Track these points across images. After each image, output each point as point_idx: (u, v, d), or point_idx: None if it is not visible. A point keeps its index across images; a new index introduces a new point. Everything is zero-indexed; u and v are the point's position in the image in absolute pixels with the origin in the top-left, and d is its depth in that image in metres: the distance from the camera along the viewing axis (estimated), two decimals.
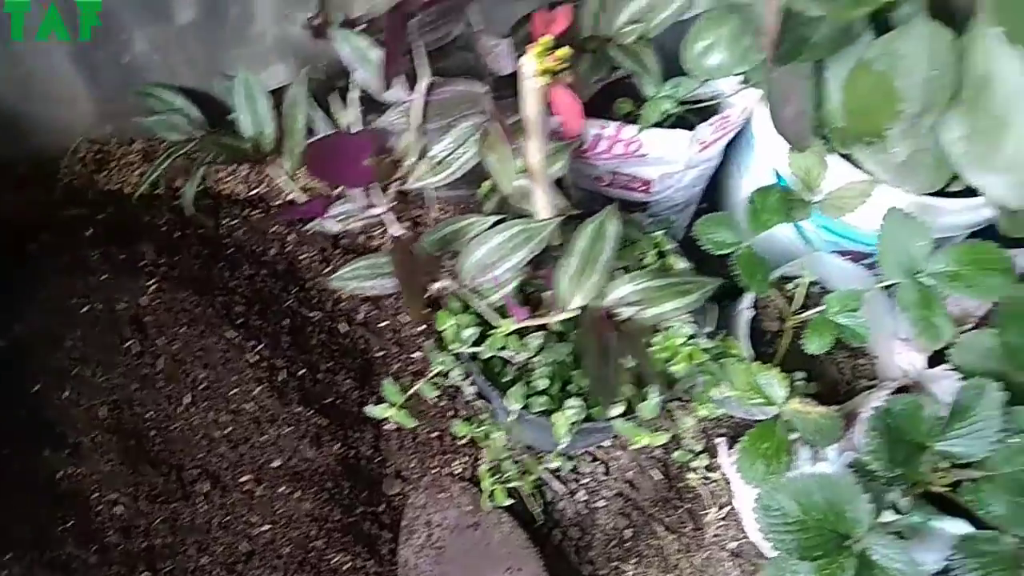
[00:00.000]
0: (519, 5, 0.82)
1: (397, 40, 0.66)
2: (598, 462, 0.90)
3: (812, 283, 0.87)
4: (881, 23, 0.68)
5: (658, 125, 0.84)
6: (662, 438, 0.72)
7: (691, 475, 0.91)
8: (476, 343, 0.74)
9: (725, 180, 0.99)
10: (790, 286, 0.84)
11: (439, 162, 0.74)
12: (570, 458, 0.90)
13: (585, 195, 0.92)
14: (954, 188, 0.76)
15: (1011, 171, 0.62)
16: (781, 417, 0.73)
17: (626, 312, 0.65)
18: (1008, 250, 0.75)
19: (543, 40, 0.61)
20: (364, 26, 0.73)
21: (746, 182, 0.93)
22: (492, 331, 0.74)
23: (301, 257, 0.97)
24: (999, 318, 0.67)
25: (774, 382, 0.74)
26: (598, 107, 0.87)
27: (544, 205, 0.72)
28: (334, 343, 0.93)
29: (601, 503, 0.88)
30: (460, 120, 0.73)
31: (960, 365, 0.70)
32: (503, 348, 0.73)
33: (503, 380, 0.75)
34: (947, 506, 0.71)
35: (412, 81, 0.73)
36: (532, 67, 0.62)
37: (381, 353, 0.94)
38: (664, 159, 0.83)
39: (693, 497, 0.90)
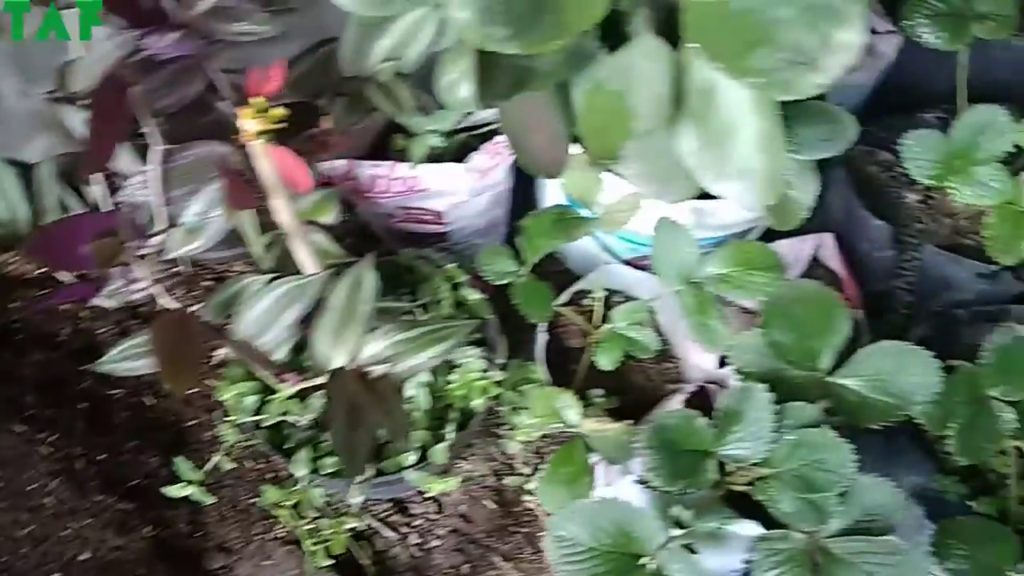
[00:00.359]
0: (271, 54, 0.80)
1: (107, 117, 0.62)
2: (430, 500, 0.89)
3: (616, 294, 0.87)
4: (618, 41, 0.68)
5: (440, 156, 0.83)
6: (453, 483, 0.71)
7: (526, 498, 0.90)
8: (258, 410, 0.72)
9: (538, 192, 0.98)
10: (588, 301, 0.84)
11: (192, 229, 0.71)
12: (399, 502, 0.88)
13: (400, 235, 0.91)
14: None
15: (743, 177, 0.63)
16: (579, 439, 0.73)
17: (379, 369, 0.63)
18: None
19: (255, 101, 0.59)
20: (87, 100, 0.69)
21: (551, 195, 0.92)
22: (273, 396, 0.71)
23: (98, 333, 0.92)
24: (764, 316, 0.69)
25: (569, 404, 0.74)
26: (383, 145, 0.85)
27: (307, 260, 0.69)
28: (140, 419, 0.89)
29: (435, 543, 0.87)
30: (207, 183, 0.69)
31: (737, 366, 0.71)
32: (286, 413, 0.71)
33: (288, 446, 0.72)
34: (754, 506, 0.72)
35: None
36: (248, 129, 0.59)
37: (193, 423, 0.90)
38: (446, 191, 0.82)
39: (530, 520, 0.90)
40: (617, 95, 0.66)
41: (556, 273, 1.02)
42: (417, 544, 0.87)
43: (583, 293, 0.86)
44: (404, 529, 0.87)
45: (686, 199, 0.75)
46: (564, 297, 0.83)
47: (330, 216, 0.75)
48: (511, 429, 0.81)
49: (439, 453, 0.70)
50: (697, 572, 0.65)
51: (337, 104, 0.75)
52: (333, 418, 0.57)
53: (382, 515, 0.87)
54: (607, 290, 0.88)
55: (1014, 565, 0.69)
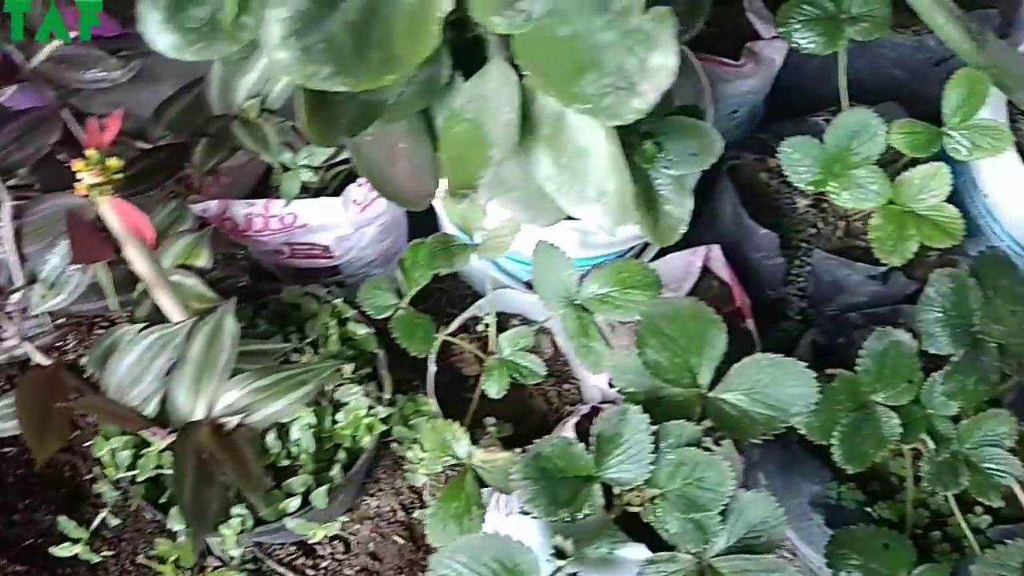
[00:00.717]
0: (143, 93, 0.78)
1: None
2: (337, 540, 0.87)
3: (515, 317, 0.86)
4: (476, 66, 0.67)
5: (321, 190, 0.82)
6: (334, 528, 0.69)
7: None
8: (132, 465, 0.70)
9: (439, 217, 0.97)
10: (480, 327, 0.83)
11: (52, 284, 0.69)
12: (304, 544, 0.86)
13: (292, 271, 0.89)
14: None
15: (601, 200, 0.62)
16: (468, 472, 0.72)
17: (234, 420, 0.61)
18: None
19: (89, 154, 0.58)
20: None
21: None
22: (148, 450, 0.69)
23: None
24: (639, 336, 0.68)
25: (457, 436, 0.73)
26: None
27: (172, 308, 0.68)
28: (32, 477, 0.86)
29: None
30: (63, 237, 0.68)
31: (619, 387, 0.70)
32: (160, 467, 0.69)
33: (162, 500, 0.70)
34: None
35: None
36: (84, 182, 0.58)
37: (91, 476, 0.88)
38: (328, 225, 0.80)
39: None
40: (473, 123, 0.66)
41: (464, 297, 1.01)
42: None
43: (479, 319, 0.85)
44: (310, 572, 0.85)
45: (556, 223, 0.75)
46: (456, 324, 0.82)
47: (204, 259, 0.73)
48: (411, 463, 0.80)
49: (319, 498, 0.68)
50: None
51: (200, 144, 0.73)
52: (180, 476, 0.55)
53: (286, 559, 0.85)
54: (506, 314, 0.87)
55: (908, 572, 0.69)
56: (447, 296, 1.01)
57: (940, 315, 0.69)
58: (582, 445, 0.68)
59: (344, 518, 0.88)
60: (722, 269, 0.84)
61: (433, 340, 0.74)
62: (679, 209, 0.77)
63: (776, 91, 1.05)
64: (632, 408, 0.67)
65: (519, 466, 0.66)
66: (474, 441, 0.78)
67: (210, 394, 0.62)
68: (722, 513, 0.66)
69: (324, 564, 0.86)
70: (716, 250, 0.84)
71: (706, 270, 0.86)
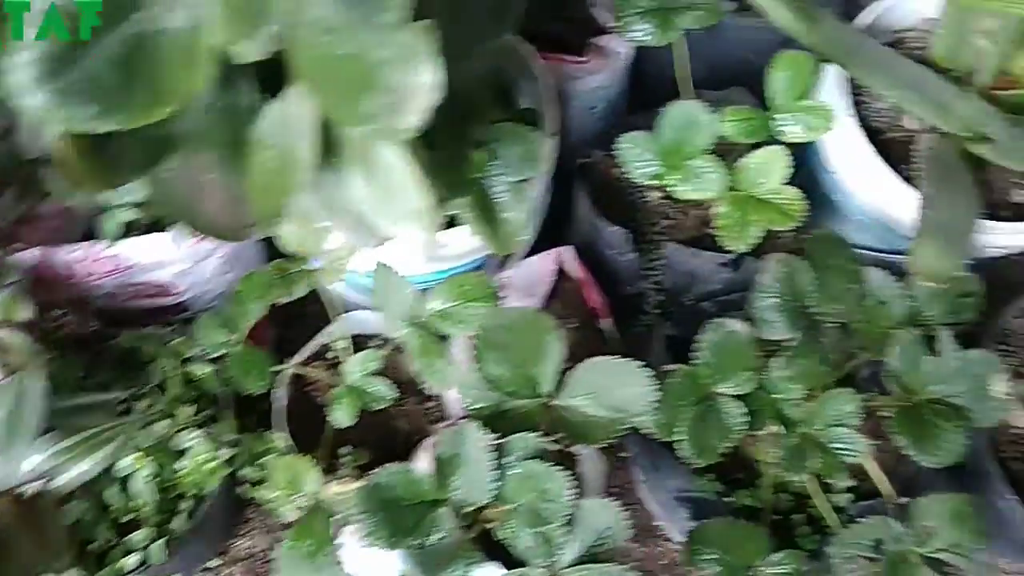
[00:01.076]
0: None
1: None
2: None
3: (374, 338, 0.84)
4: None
5: (154, 226, 0.78)
6: None
7: None
8: None
9: None
10: (332, 354, 0.81)
11: None
12: None
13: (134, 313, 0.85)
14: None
15: (413, 217, 0.60)
16: (318, 508, 0.70)
17: (34, 487, 0.58)
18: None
19: None
20: None
21: None
22: None
23: None
24: (476, 351, 0.66)
25: (306, 471, 0.70)
26: None
27: None
28: None
29: None
30: None
31: (466, 403, 0.69)
32: None
33: None
34: None
35: None
36: None
37: None
38: (162, 263, 0.77)
39: None
40: (278, 149, 0.63)
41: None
42: None
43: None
44: None
45: (383, 243, 0.73)
46: (307, 352, 0.79)
47: (23, 313, 0.70)
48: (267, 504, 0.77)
49: (155, 552, 0.65)
50: None
51: (5, 193, 0.70)
52: None
53: None
54: (364, 336, 0.85)
55: (765, 558, 0.69)
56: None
57: (775, 300, 0.69)
58: (422, 470, 0.66)
59: (216, 561, 0.85)
60: (576, 270, 0.83)
61: (270, 375, 0.72)
62: (518, 215, 0.76)
63: (639, 80, 1.05)
64: (469, 427, 0.66)
65: (356, 499, 0.64)
66: (331, 472, 0.76)
67: (12, 462, 0.58)
68: (567, 524, 0.65)
69: None
70: (568, 251, 0.83)
71: (563, 272, 0.85)
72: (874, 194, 0.82)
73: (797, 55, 0.74)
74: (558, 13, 0.96)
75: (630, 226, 0.87)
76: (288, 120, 0.61)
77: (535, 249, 0.88)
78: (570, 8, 0.98)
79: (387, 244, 0.72)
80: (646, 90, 1.07)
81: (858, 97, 0.90)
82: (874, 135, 0.89)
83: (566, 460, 0.82)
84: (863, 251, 0.94)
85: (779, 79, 0.74)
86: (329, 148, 0.62)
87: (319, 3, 0.51)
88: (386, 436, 0.81)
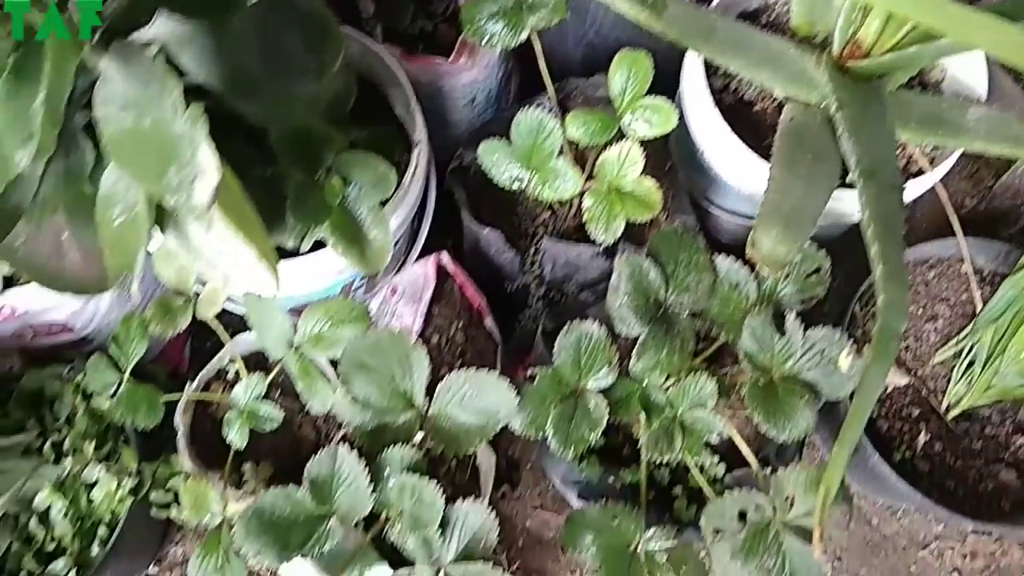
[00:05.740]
0: None
1: None
2: None
3: None
4: None
5: None
6: None
7: None
8: None
9: None
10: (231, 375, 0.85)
11: None
12: None
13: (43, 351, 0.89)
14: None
15: (248, 262, 0.63)
16: (223, 525, 0.74)
17: None
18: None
19: None
20: None
21: None
22: None
23: None
24: (341, 374, 0.70)
25: (207, 493, 0.75)
26: None
27: None
28: None
29: None
30: None
31: (345, 421, 0.72)
32: None
33: None
34: None
35: None
36: None
37: None
38: (51, 307, 0.80)
39: None
40: (122, 204, 0.65)
41: None
42: None
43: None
44: None
45: (240, 286, 0.75)
46: (205, 377, 0.83)
47: None
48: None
49: None
50: None
51: None
52: None
53: None
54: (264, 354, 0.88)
55: (640, 536, 0.74)
56: None
57: (625, 299, 0.72)
58: (302, 490, 0.71)
59: (152, 569, 0.91)
60: (455, 272, 0.86)
61: (161, 407, 0.75)
62: (382, 235, 0.79)
63: (527, 62, 1.06)
64: (341, 448, 0.70)
65: (240, 524, 0.69)
66: (237, 487, 0.81)
67: None
68: (443, 524, 0.70)
69: None
70: (444, 255, 0.85)
71: (447, 274, 0.88)
72: (736, 170, 0.85)
73: (634, 54, 0.75)
74: (422, 13, 0.96)
75: (511, 222, 0.90)
76: (124, 179, 0.64)
77: (429, 250, 0.91)
78: (435, 6, 0.98)
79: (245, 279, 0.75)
80: (535, 70, 1.08)
81: (718, 77, 0.91)
82: (747, 107, 0.91)
83: (466, 456, 0.88)
84: (743, 218, 0.97)
85: (617, 79, 0.75)
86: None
87: (113, 81, 0.53)
88: (293, 446, 0.86)
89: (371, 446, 0.72)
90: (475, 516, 0.69)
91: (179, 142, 0.52)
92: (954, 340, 0.81)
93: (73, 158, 0.64)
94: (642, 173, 0.79)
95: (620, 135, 0.79)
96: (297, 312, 0.78)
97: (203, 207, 0.51)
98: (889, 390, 0.83)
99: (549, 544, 0.98)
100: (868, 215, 0.58)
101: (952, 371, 0.81)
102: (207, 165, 0.50)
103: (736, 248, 0.77)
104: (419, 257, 0.90)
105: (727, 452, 0.83)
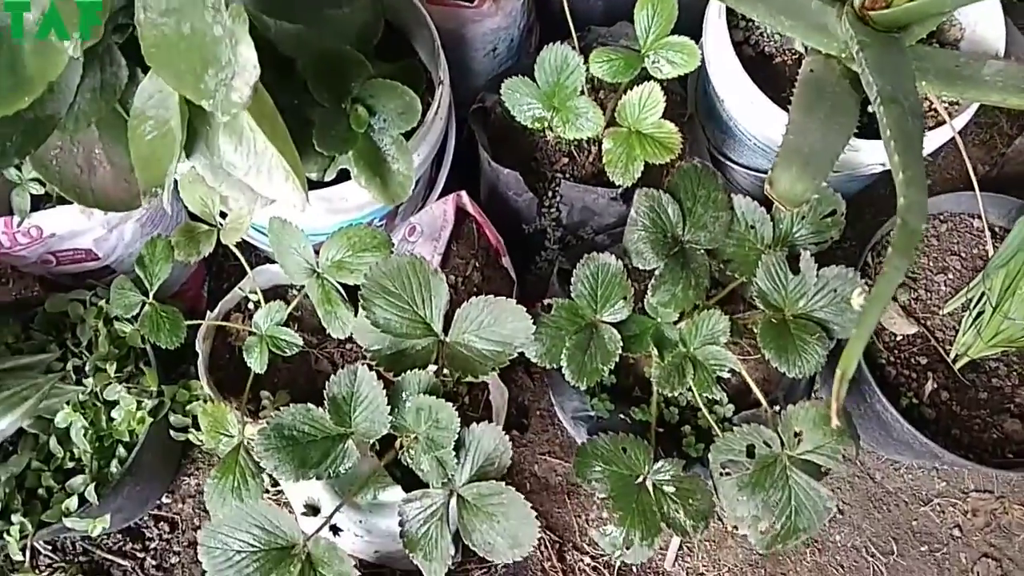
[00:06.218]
0: None
1: None
2: (162, 521, 0.92)
3: (290, 287, 0.89)
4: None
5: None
6: (105, 521, 0.73)
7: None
8: None
9: None
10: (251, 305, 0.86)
11: None
12: (132, 530, 0.91)
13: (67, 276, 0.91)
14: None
15: (283, 178, 0.64)
16: (239, 447, 0.76)
17: None
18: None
19: None
20: None
21: None
22: None
23: None
24: (363, 298, 0.71)
25: (225, 416, 0.76)
26: None
27: None
28: None
29: (174, 559, 0.90)
30: None
31: (364, 346, 0.74)
32: None
33: None
34: None
35: None
36: None
37: None
38: (77, 231, 0.82)
39: None
40: (157, 120, 0.67)
41: None
42: (155, 565, 0.90)
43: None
44: (140, 555, 0.90)
45: (267, 203, 0.77)
46: (227, 305, 0.85)
47: None
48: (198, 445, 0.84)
49: (91, 494, 0.72)
50: (340, 558, 0.69)
51: None
52: None
53: (115, 547, 0.90)
54: (284, 286, 0.90)
55: (649, 468, 0.76)
56: None
57: (643, 232, 0.73)
58: (320, 410, 0.72)
59: (166, 499, 0.93)
60: (473, 212, 0.87)
61: (184, 330, 0.77)
62: (405, 167, 0.80)
63: (549, 15, 1.07)
64: (361, 368, 0.71)
65: (259, 439, 0.71)
66: (255, 415, 0.83)
67: None
68: (457, 447, 0.72)
69: (153, 545, 0.91)
70: (464, 195, 0.87)
71: (465, 214, 0.89)
72: (755, 119, 0.86)
73: None
74: None
75: (530, 166, 0.91)
76: (164, 91, 0.65)
77: (448, 191, 0.92)
78: None
79: (272, 203, 0.76)
80: (556, 24, 1.09)
81: (748, 23, 0.93)
82: (767, 59, 0.92)
83: (477, 389, 0.89)
84: (758, 173, 0.98)
85: (642, 18, 0.76)
86: (203, 118, 0.65)
87: None
88: (309, 379, 0.88)
89: (389, 371, 0.73)
90: (489, 439, 0.70)
91: (218, 44, 0.53)
92: (964, 290, 0.82)
93: (108, 73, 0.65)
94: (662, 117, 0.80)
95: (642, 78, 0.80)
96: (317, 251, 0.80)
97: (242, 104, 0.52)
98: (898, 338, 0.85)
99: (556, 489, 1.00)
100: (889, 134, 0.59)
101: (961, 322, 0.83)
102: (247, 61, 0.51)
103: None
104: (442, 196, 0.91)
105: (736, 396, 0.85)
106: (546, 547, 0.96)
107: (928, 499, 0.99)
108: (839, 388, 0.42)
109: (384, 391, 0.70)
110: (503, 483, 0.69)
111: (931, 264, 0.86)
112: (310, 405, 0.70)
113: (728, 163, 0.99)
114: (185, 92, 0.57)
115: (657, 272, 0.72)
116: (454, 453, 0.71)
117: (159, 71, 0.57)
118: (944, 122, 0.82)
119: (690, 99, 1.00)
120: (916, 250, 0.88)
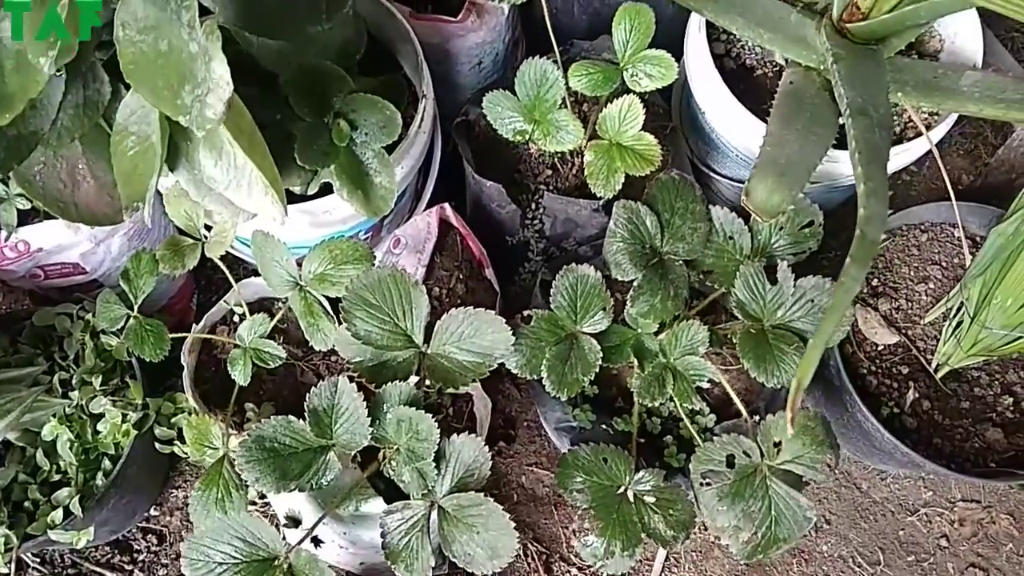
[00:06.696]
0: None
1: None
2: (150, 533, 0.92)
3: (276, 300, 0.90)
4: None
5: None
6: (90, 534, 0.74)
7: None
8: None
9: None
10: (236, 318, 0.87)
11: None
12: (119, 543, 0.91)
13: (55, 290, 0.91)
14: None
15: (262, 192, 0.65)
16: (223, 460, 0.76)
17: None
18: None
19: None
20: None
21: None
22: None
23: None
24: (344, 310, 0.72)
25: (209, 430, 0.77)
26: None
27: None
28: None
29: (162, 572, 0.91)
30: None
31: (347, 358, 0.74)
32: None
33: None
34: None
35: None
36: None
37: None
38: (64, 246, 0.82)
39: None
40: (139, 136, 0.68)
41: None
42: None
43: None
44: (128, 567, 0.91)
45: (250, 217, 0.77)
46: (213, 318, 0.85)
47: None
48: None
49: (75, 506, 0.73)
50: (320, 565, 0.69)
51: None
52: None
53: (103, 560, 0.90)
54: (270, 299, 0.90)
55: (630, 479, 0.76)
56: None
57: (621, 244, 0.74)
58: (302, 422, 0.73)
59: (154, 511, 0.93)
60: (457, 224, 0.88)
61: (168, 343, 0.77)
62: (387, 180, 0.81)
63: (534, 28, 1.08)
64: (341, 380, 0.72)
65: (240, 451, 0.71)
66: (239, 427, 0.83)
67: None
68: (438, 459, 0.72)
69: (141, 558, 0.91)
70: (447, 207, 0.87)
71: (450, 226, 0.90)
72: (735, 131, 0.86)
73: (637, 6, 0.77)
74: None
75: (514, 178, 0.92)
76: (142, 108, 0.66)
77: (435, 202, 0.93)
78: None
79: (254, 217, 0.77)
80: (541, 37, 1.10)
81: (730, 36, 0.93)
82: (748, 72, 0.93)
83: (461, 400, 0.89)
84: (741, 184, 0.99)
85: (620, 32, 0.77)
86: (184, 133, 0.66)
87: (133, 2, 0.55)
88: (294, 391, 0.88)
89: (371, 382, 0.74)
90: (469, 450, 0.71)
91: (194, 61, 0.54)
92: (944, 300, 0.82)
93: (91, 89, 0.66)
94: (643, 129, 0.81)
95: (622, 91, 0.81)
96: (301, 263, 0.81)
97: (216, 120, 0.53)
98: (880, 348, 0.85)
99: (543, 500, 1.00)
100: (855, 145, 0.60)
101: (942, 332, 0.83)
102: (219, 78, 0.52)
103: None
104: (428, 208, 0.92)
105: (718, 406, 0.85)
106: (533, 558, 0.96)
107: (915, 509, 0.99)
108: (794, 397, 0.43)
109: (365, 403, 0.71)
110: (482, 495, 0.69)
111: (912, 274, 0.87)
112: (291, 417, 0.71)
113: (711, 174, 0.99)
114: (163, 108, 0.58)
115: (635, 283, 0.73)
116: (434, 464, 0.71)
117: (138, 88, 0.58)
118: (922, 134, 0.83)
119: (674, 111, 1.01)
120: (898, 260, 0.88)
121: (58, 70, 0.56)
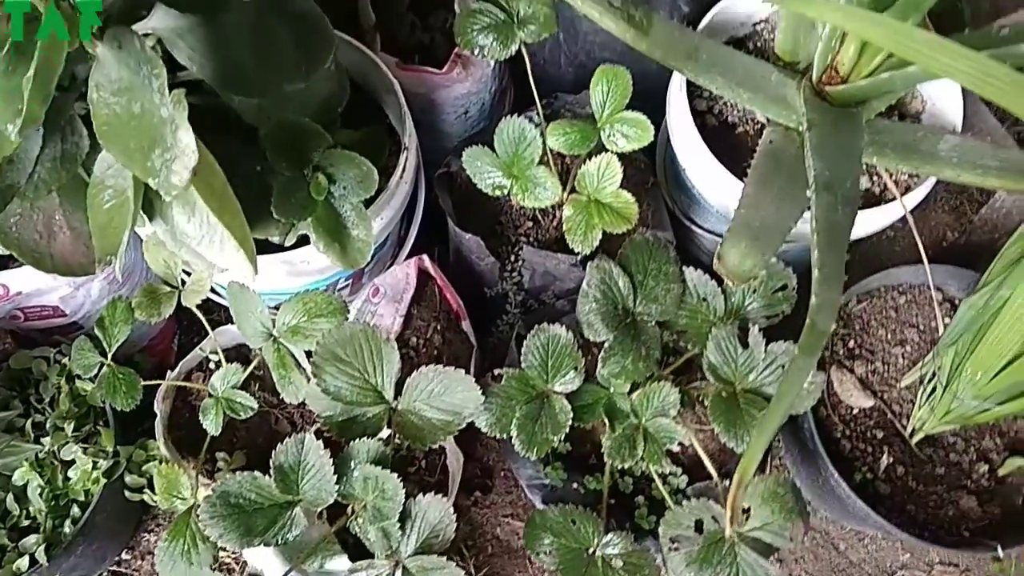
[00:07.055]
0: None
1: None
2: None
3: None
4: None
5: None
6: None
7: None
8: None
9: None
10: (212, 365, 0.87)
11: None
12: None
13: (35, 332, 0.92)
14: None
15: (234, 248, 0.65)
16: (190, 511, 0.76)
17: None
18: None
19: None
20: None
21: None
22: None
23: None
24: (314, 366, 0.72)
25: (179, 480, 0.77)
26: None
27: None
28: None
29: None
30: None
31: (316, 411, 0.74)
32: None
33: None
34: None
35: None
36: None
37: None
38: (43, 289, 0.83)
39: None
40: (115, 189, 0.68)
41: None
42: None
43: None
44: None
45: (224, 269, 0.78)
46: (187, 365, 0.85)
47: None
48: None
49: (41, 555, 0.72)
50: None
51: None
52: None
53: None
54: (247, 347, 0.91)
55: (598, 541, 0.75)
56: None
57: (594, 304, 0.74)
58: (267, 478, 0.72)
59: (126, 555, 0.93)
60: (435, 275, 0.88)
61: (141, 391, 0.78)
62: (364, 233, 0.81)
63: (520, 78, 1.09)
64: (308, 436, 0.72)
65: (205, 506, 0.71)
66: (210, 476, 0.83)
67: None
68: (404, 518, 0.72)
69: None
70: (426, 258, 0.88)
71: (429, 277, 0.90)
72: (715, 190, 0.87)
73: (614, 69, 0.78)
74: (421, 26, 0.99)
75: (494, 230, 0.92)
76: (118, 163, 0.67)
77: (419, 250, 0.93)
78: (433, 20, 1.01)
79: (227, 270, 0.77)
80: (528, 86, 1.11)
81: (712, 93, 0.94)
82: (729, 129, 0.93)
83: (435, 453, 0.89)
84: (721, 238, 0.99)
85: (598, 93, 0.77)
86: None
87: (107, 66, 0.56)
88: (268, 439, 0.88)
89: (340, 438, 0.74)
90: (434, 511, 0.70)
91: (165, 125, 0.55)
92: (920, 364, 0.82)
93: (69, 143, 0.67)
94: (622, 187, 0.81)
95: (601, 147, 0.82)
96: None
97: (181, 187, 0.53)
98: (855, 411, 0.84)
99: (517, 553, 0.99)
100: (816, 224, 0.60)
101: (918, 396, 0.83)
102: (185, 146, 0.52)
103: None
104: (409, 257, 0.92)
105: (692, 466, 0.85)
106: None
107: (892, 571, 0.98)
108: (735, 494, 0.42)
109: (331, 460, 0.70)
110: (445, 558, 0.69)
111: (889, 336, 0.87)
112: (257, 473, 0.70)
113: (694, 228, 0.99)
114: (134, 170, 0.59)
115: (607, 344, 0.73)
116: (399, 524, 0.71)
117: (110, 148, 0.59)
118: (904, 194, 0.83)
119: (658, 166, 1.02)
120: (875, 322, 0.88)
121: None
